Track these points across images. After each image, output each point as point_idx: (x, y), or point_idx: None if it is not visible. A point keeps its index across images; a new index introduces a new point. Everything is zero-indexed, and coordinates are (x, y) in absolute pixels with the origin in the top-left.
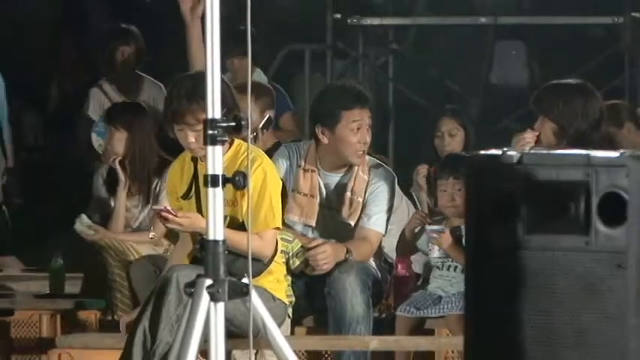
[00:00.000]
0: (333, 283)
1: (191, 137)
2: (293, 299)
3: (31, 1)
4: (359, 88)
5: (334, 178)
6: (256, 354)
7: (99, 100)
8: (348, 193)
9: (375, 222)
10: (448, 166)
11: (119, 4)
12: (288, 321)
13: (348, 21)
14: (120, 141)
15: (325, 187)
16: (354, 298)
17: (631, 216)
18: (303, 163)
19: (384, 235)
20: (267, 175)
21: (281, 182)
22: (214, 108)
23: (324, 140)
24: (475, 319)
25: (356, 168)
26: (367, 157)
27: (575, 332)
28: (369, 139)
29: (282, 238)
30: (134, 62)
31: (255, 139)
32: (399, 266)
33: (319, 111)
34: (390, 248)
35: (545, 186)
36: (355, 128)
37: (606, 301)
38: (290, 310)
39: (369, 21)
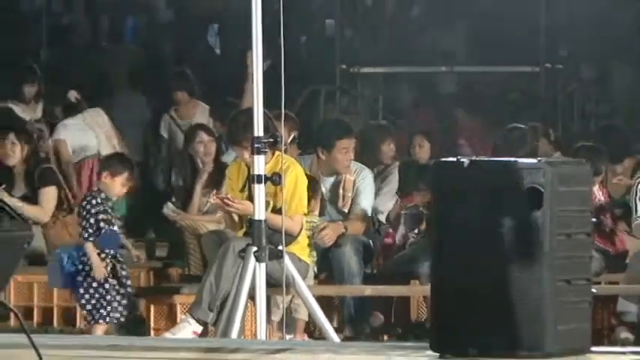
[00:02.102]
0: (335, 251)
1: (246, 154)
2: (315, 258)
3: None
4: (347, 122)
5: (330, 180)
6: (291, 299)
7: (167, 123)
8: (341, 190)
9: (362, 207)
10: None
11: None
12: (311, 274)
13: (351, 70)
14: None
15: (325, 187)
16: (350, 260)
17: (545, 203)
18: (308, 172)
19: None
20: (297, 176)
21: (307, 181)
22: (259, 130)
23: (323, 157)
24: (437, 274)
25: (345, 174)
26: (353, 163)
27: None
28: (352, 156)
29: (307, 221)
30: (188, 98)
31: (285, 151)
32: (386, 237)
33: (320, 138)
34: (384, 208)
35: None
36: (344, 152)
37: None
38: (315, 268)
39: (365, 70)
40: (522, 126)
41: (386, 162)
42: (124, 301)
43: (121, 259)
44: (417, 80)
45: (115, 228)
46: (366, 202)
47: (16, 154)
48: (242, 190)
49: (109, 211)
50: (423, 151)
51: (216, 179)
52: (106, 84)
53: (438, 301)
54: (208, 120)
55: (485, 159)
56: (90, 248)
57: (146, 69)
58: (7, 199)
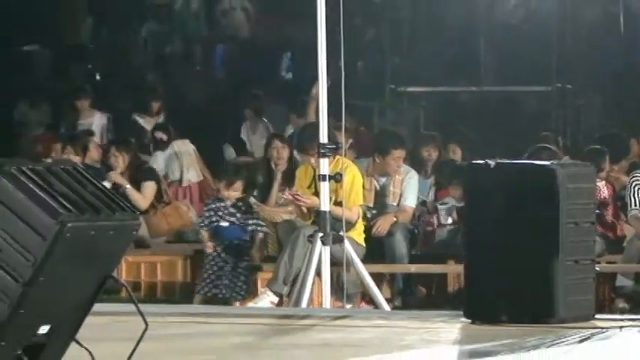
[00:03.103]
0: (387, 237)
1: (312, 159)
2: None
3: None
4: (401, 135)
5: (383, 180)
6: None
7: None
8: (391, 188)
9: (409, 202)
10: None
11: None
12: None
13: (398, 89)
14: None
15: (379, 185)
16: (399, 244)
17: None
18: (365, 172)
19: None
20: (354, 175)
21: (362, 179)
22: (323, 137)
23: (378, 161)
24: (469, 255)
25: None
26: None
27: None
28: (402, 162)
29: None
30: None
31: (344, 155)
32: (427, 225)
33: (377, 145)
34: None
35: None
36: (397, 158)
37: None
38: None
39: (409, 89)
40: (552, 147)
41: (425, 164)
42: (225, 280)
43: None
44: (450, 97)
45: (224, 224)
46: (412, 198)
47: (119, 163)
48: (309, 188)
49: (221, 211)
50: (456, 156)
51: (289, 179)
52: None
53: (470, 278)
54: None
55: (508, 162)
56: (204, 235)
57: (229, 90)
58: (117, 178)
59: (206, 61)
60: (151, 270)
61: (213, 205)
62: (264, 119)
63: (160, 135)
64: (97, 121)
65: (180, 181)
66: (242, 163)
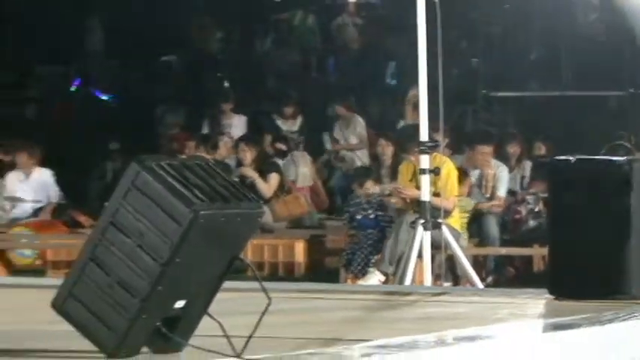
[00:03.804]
0: (482, 222)
1: (412, 157)
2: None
3: None
4: (490, 133)
5: (476, 173)
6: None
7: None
8: (484, 181)
9: (500, 193)
10: None
11: None
12: (464, 237)
13: (490, 94)
14: None
15: (473, 177)
16: (492, 229)
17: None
18: (460, 166)
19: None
20: (450, 170)
21: (457, 173)
22: (424, 136)
23: (471, 156)
24: (553, 240)
25: (486, 168)
26: (493, 161)
27: None
28: (490, 157)
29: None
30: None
31: (442, 152)
32: (516, 214)
33: (470, 142)
34: None
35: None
36: (486, 154)
37: None
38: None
39: (499, 94)
40: (626, 145)
41: (510, 159)
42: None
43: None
44: (535, 100)
45: (359, 216)
46: (503, 189)
47: (247, 158)
48: (410, 181)
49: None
50: (541, 152)
51: (393, 173)
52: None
53: (554, 259)
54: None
55: (587, 157)
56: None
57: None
58: (246, 170)
59: (320, 70)
60: (273, 252)
61: (352, 202)
62: (358, 116)
63: (280, 146)
64: (235, 122)
65: (295, 182)
66: (372, 165)
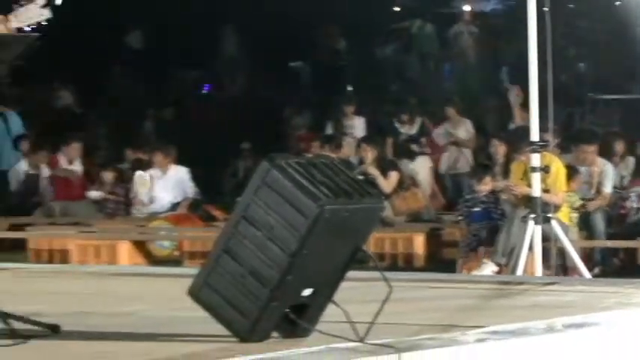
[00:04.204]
0: (589, 218)
1: (522, 156)
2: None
3: None
4: (596, 132)
5: (584, 170)
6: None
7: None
8: (590, 178)
9: (606, 189)
10: None
11: None
12: (573, 230)
13: (596, 96)
14: None
15: (582, 174)
16: (598, 223)
17: None
18: (568, 164)
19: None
20: (558, 167)
21: (565, 170)
22: (535, 136)
23: (577, 154)
24: None
25: (593, 166)
26: (599, 159)
27: None
28: (595, 155)
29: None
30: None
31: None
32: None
33: (577, 141)
34: None
35: None
36: (591, 152)
37: None
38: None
39: (605, 96)
40: None
41: (614, 157)
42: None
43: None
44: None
45: (477, 209)
46: (609, 186)
47: (369, 157)
48: (521, 179)
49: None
50: None
51: (506, 171)
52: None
53: None
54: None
55: None
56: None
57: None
58: (370, 169)
59: (437, 75)
60: (393, 244)
61: (468, 197)
62: (466, 119)
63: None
64: (356, 124)
65: (414, 178)
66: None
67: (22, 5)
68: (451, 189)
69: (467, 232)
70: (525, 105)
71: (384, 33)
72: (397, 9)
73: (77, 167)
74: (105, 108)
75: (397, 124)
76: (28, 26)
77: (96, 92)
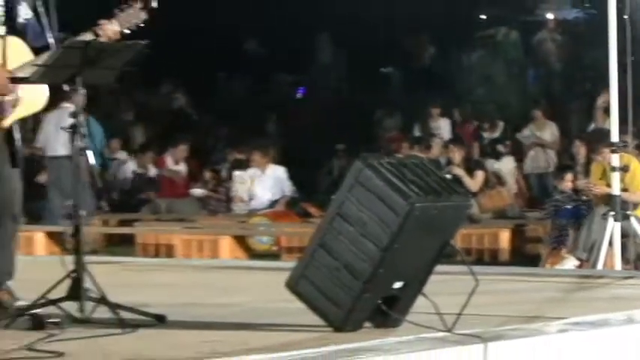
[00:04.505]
0: None
1: (599, 157)
2: None
3: None
4: None
5: None
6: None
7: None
8: None
9: None
10: None
11: None
12: None
13: None
14: None
15: None
16: None
17: None
18: None
19: None
20: (636, 166)
21: None
22: (614, 137)
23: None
24: None
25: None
26: None
27: None
28: None
29: None
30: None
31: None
32: None
33: None
34: None
35: None
36: None
37: None
38: None
39: None
40: None
41: None
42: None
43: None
44: None
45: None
46: None
47: (455, 157)
48: (600, 179)
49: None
50: None
51: (587, 171)
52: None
53: None
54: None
55: None
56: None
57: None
58: (456, 169)
59: (520, 81)
60: (479, 239)
61: (558, 196)
62: (551, 122)
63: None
64: (442, 125)
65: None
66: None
67: (122, 10)
68: (535, 188)
69: (553, 228)
70: (607, 108)
71: (470, 40)
72: (483, 17)
73: (182, 167)
74: (212, 110)
75: (481, 131)
76: (128, 29)
77: (208, 95)
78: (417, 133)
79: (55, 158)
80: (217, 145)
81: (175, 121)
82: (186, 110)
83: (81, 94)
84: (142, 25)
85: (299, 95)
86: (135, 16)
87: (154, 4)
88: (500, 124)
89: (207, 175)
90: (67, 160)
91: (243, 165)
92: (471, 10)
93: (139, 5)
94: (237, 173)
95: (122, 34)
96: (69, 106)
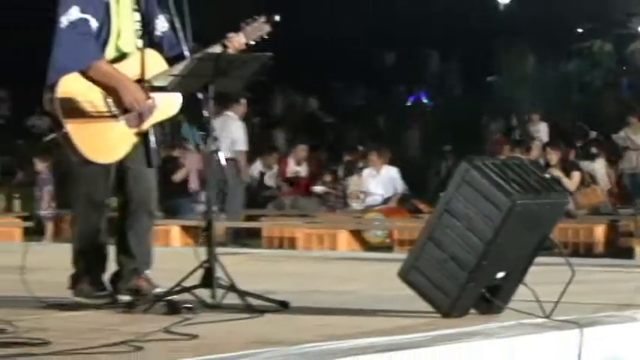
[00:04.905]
0: None
1: None
2: None
3: None
4: None
5: None
6: None
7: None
8: None
9: None
10: None
11: None
12: None
13: None
14: None
15: None
16: None
17: None
18: None
19: None
20: None
21: None
22: None
23: None
24: None
25: None
26: None
27: None
28: None
29: None
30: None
31: None
32: None
33: None
34: None
35: None
36: None
37: None
38: None
39: None
40: None
41: None
42: None
43: None
44: None
45: None
46: None
47: (553, 158)
48: None
49: None
50: None
51: None
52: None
53: None
54: None
55: None
56: None
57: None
58: (554, 171)
59: (615, 88)
60: (575, 234)
61: None
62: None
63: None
64: (541, 129)
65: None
66: None
67: (248, 24)
68: (629, 186)
69: None
70: None
71: (568, 51)
72: (580, 30)
73: (303, 168)
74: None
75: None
76: (254, 41)
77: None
78: (516, 136)
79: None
80: (336, 146)
81: (306, 125)
82: (317, 114)
83: (241, 103)
84: (266, 37)
85: (411, 102)
86: (260, 29)
87: (277, 18)
88: (595, 128)
89: (326, 175)
90: (227, 162)
91: (360, 166)
92: (569, 23)
93: (263, 19)
94: (354, 174)
95: (248, 45)
96: (231, 115)
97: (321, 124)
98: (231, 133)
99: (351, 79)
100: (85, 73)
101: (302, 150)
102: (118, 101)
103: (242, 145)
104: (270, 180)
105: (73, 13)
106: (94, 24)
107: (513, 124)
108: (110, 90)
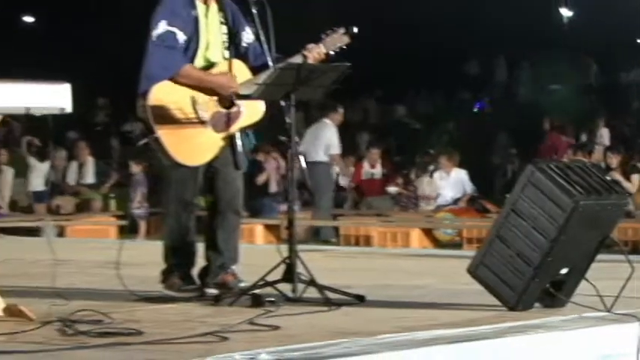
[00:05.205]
0: None
1: None
2: None
3: None
4: None
5: None
6: None
7: None
8: None
9: None
10: None
11: None
12: None
13: None
14: None
15: None
16: None
17: None
18: None
19: None
20: None
21: None
22: None
23: None
24: None
25: None
26: None
27: None
28: None
29: None
30: None
31: None
32: None
33: None
34: None
35: None
36: None
37: None
38: None
39: None
40: None
41: None
42: None
43: None
44: None
45: None
46: None
47: (613, 162)
48: None
49: None
50: None
51: None
52: None
53: None
54: None
55: None
56: None
57: None
58: (614, 174)
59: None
60: (635, 232)
61: None
62: None
63: None
64: (604, 134)
65: None
66: None
67: (327, 35)
68: None
69: None
70: None
71: (629, 61)
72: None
73: (378, 170)
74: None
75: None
76: (333, 51)
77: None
78: (583, 140)
79: (312, 163)
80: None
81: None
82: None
83: (338, 112)
84: (345, 47)
85: (477, 109)
86: (339, 40)
87: (355, 30)
88: None
89: (399, 176)
90: (322, 165)
91: (432, 167)
92: (632, 34)
93: (342, 30)
94: (425, 175)
95: (327, 55)
96: (327, 122)
97: (407, 129)
98: (327, 139)
99: (427, 88)
100: (176, 81)
101: (375, 153)
102: (207, 106)
103: (335, 149)
104: (343, 181)
105: (161, 27)
106: (181, 37)
107: (578, 128)
108: (205, 91)
